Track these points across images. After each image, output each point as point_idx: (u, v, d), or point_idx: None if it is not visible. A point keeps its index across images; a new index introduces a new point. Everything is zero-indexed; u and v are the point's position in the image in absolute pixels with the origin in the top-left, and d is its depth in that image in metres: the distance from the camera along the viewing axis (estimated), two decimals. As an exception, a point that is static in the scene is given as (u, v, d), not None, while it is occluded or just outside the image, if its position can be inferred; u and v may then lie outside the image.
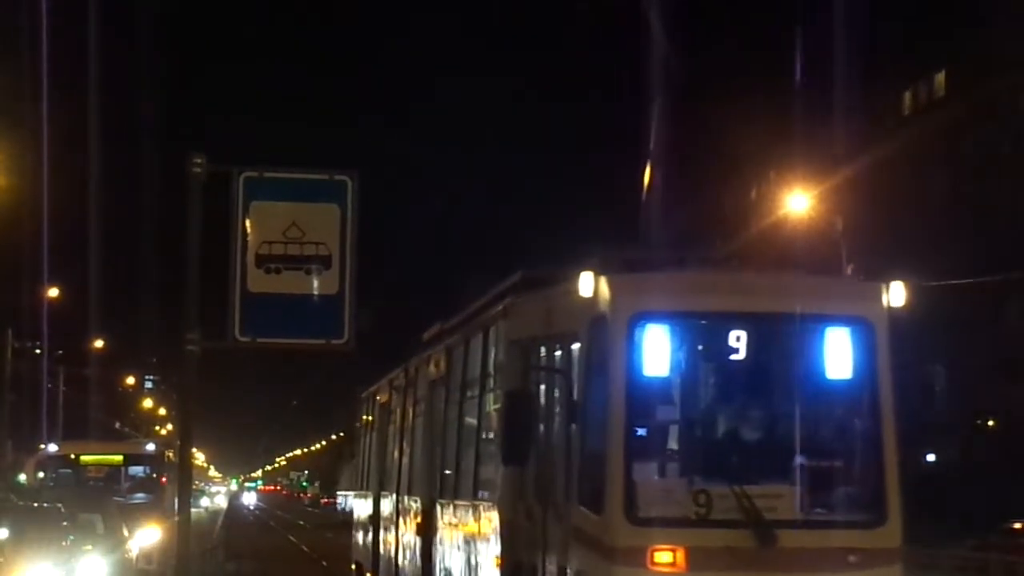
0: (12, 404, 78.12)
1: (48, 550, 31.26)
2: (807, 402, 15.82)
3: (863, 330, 15.66)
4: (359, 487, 35.92)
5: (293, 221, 14.77)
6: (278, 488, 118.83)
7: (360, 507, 34.71)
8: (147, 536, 41.32)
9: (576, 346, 16.21)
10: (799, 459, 15.50)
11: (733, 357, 15.78)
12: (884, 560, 15.00)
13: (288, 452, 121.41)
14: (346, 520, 76.47)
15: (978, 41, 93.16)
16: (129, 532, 41.57)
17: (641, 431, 15.70)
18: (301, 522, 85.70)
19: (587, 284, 15.41)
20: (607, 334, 15.52)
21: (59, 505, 40.71)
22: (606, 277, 15.54)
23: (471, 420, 21.02)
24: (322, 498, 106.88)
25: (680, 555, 14.55)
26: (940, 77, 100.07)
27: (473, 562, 19.38)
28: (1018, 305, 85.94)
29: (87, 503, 45.72)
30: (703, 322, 16.00)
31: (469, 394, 21.21)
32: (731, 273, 17.09)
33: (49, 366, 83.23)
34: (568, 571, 15.71)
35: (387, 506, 29.00)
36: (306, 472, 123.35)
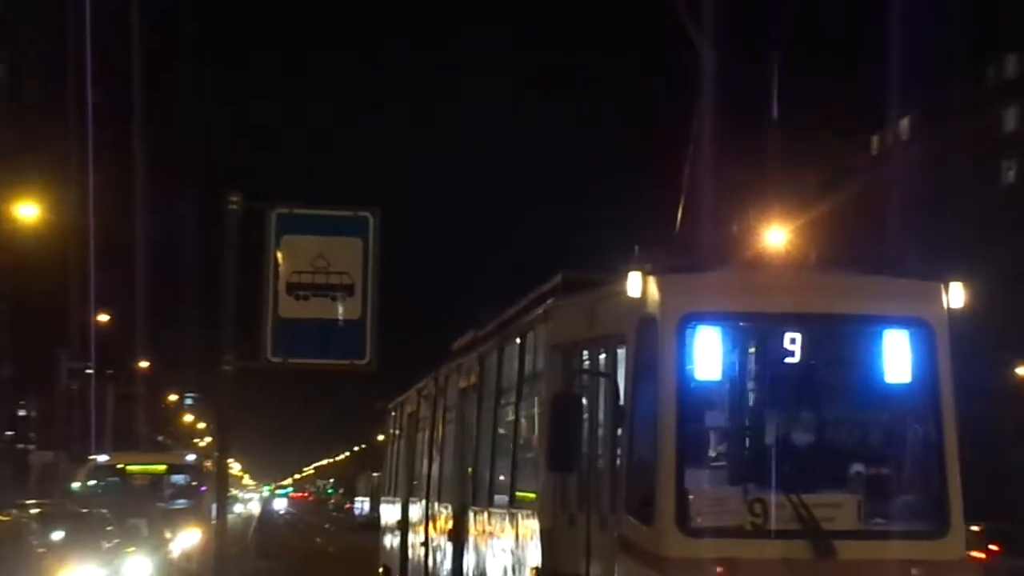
0: (66, 419, 76.78)
1: (95, 552, 30.37)
2: (865, 407, 14.26)
3: (923, 332, 13.80)
4: (387, 494, 33.50)
5: (320, 253, 14.19)
6: (307, 495, 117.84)
7: (388, 513, 32.32)
8: (187, 538, 41.46)
9: (622, 349, 14.43)
10: (857, 467, 13.77)
11: (788, 360, 13.80)
12: (947, 572, 13.19)
13: (316, 462, 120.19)
14: (363, 523, 76.07)
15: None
16: (171, 535, 41.51)
17: (693, 437, 13.83)
18: (327, 525, 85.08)
19: (635, 284, 13.67)
20: (656, 336, 13.73)
21: (104, 511, 38.90)
22: (655, 277, 13.80)
23: (506, 427, 19.20)
24: (345, 504, 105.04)
25: (735, 568, 12.75)
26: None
27: (508, 570, 17.49)
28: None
29: (133, 509, 44.51)
30: (756, 323, 14.12)
31: (504, 401, 19.32)
32: (785, 272, 15.29)
33: (99, 385, 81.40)
34: None
35: (416, 513, 27.06)
36: (331, 480, 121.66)
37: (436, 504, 24.45)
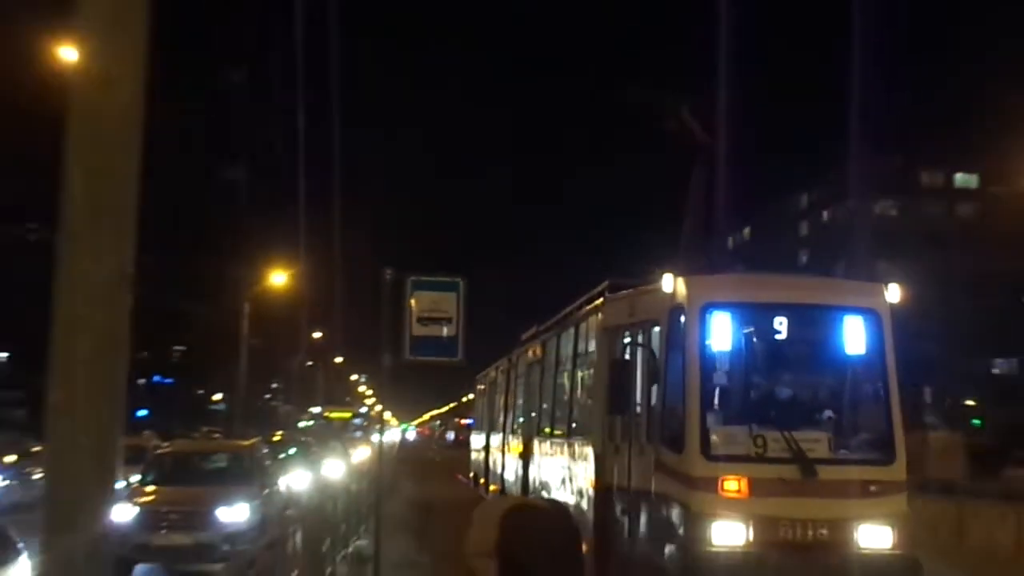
0: (298, 389, 75.10)
1: (309, 460, 28.50)
2: (832, 370, 11.23)
3: (873, 317, 10.81)
4: (476, 430, 30.69)
5: (434, 300, 13.27)
6: (425, 431, 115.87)
7: (476, 441, 29.63)
8: (361, 452, 38.05)
9: (656, 329, 11.27)
10: (828, 412, 10.82)
11: (777, 336, 10.87)
12: (895, 489, 10.32)
13: (430, 411, 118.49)
14: (450, 446, 74.67)
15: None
16: (352, 451, 38.57)
17: (711, 391, 10.78)
18: (434, 446, 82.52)
19: (668, 283, 10.69)
20: (685, 319, 10.62)
21: (311, 439, 40.22)
22: (683, 278, 10.78)
23: (563, 387, 15.75)
24: (446, 434, 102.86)
25: (743, 484, 9.93)
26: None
27: (563, 480, 14.42)
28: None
29: (333, 437, 45.33)
30: (756, 310, 10.97)
31: (561, 369, 16.01)
32: (775, 276, 12.78)
33: (315, 370, 79.74)
34: (652, 493, 10.71)
35: (495, 441, 24.03)
36: (439, 421, 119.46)
37: (509, 435, 21.34)
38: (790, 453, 9.89)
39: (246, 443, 19.50)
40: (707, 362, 10.41)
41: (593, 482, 12.17)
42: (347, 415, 73.15)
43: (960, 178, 73.51)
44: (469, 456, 31.45)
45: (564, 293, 16.59)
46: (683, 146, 12.78)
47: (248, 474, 15.59)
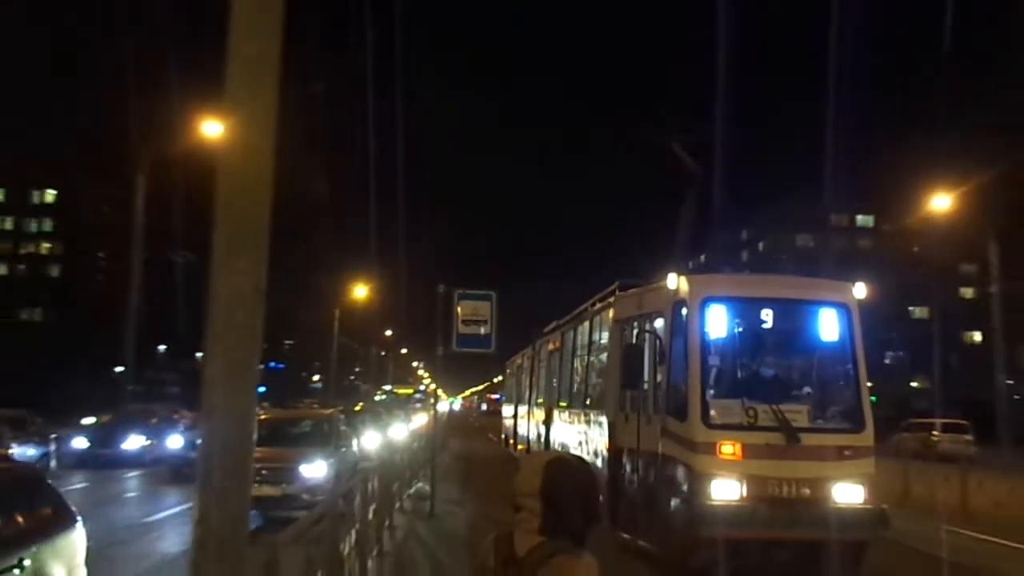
0: (375, 374, 74.17)
1: (379, 424, 26.58)
2: (811, 354, 9.59)
3: (844, 310, 9.28)
4: (507, 402, 28.51)
5: (474, 307, 13.19)
6: (467, 404, 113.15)
7: (506, 411, 27.82)
8: (420, 419, 35.63)
9: (662, 319, 9.71)
10: (807, 388, 9.31)
11: (764, 325, 9.38)
12: (865, 453, 8.78)
13: (471, 387, 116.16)
14: (484, 413, 73.90)
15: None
16: (413, 418, 37.01)
17: (709, 369, 9.17)
18: (474, 414, 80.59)
19: (673, 281, 9.27)
20: (687, 310, 9.11)
21: (382, 409, 37.99)
22: (685, 276, 9.35)
23: (581, 368, 14.08)
24: (480, 405, 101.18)
25: (738, 448, 8.48)
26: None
27: (581, 442, 12.73)
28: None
29: (399, 408, 44.93)
30: (746, 303, 9.42)
31: (578, 354, 14.36)
32: (762, 275, 9.74)
33: (386, 358, 78.61)
34: (658, 454, 9.17)
35: (522, 410, 22.26)
36: (476, 396, 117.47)
37: (533, 407, 19.65)
38: (776, 422, 8.40)
39: (326, 412, 18.00)
40: (706, 346, 8.91)
41: (607, 444, 10.66)
42: (410, 391, 72.08)
43: (860, 219, 72.45)
44: (500, 422, 30.32)
45: (577, 296, 15.37)
46: (678, 174, 11.43)
47: (326, 437, 14.16)
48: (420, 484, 15.52)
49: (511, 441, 23.38)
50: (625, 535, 9.69)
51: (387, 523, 10.32)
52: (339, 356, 56.54)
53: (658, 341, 9.40)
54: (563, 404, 14.89)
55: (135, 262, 29.09)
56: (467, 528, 11.54)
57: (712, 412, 8.56)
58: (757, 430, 8.44)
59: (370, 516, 8.47)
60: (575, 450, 12.54)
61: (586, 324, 13.25)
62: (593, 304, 12.87)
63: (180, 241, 63.14)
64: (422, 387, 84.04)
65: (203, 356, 2.73)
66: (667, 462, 8.86)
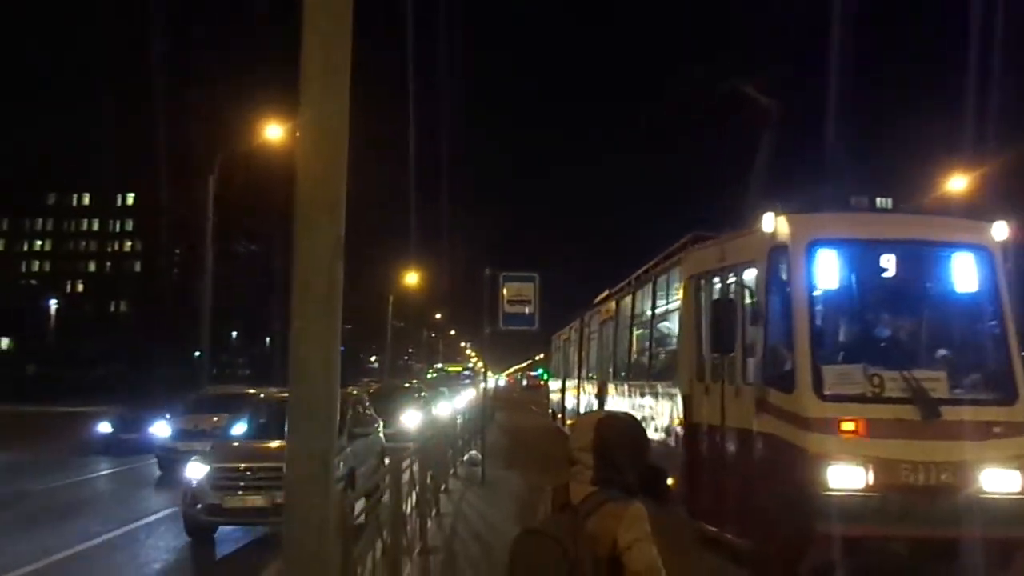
0: (425, 353, 73.03)
1: (417, 402, 21.17)
2: (946, 308, 6.92)
3: (985, 254, 6.65)
4: (554, 377, 25.73)
5: (518, 289, 12.27)
6: (511, 380, 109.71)
7: (553, 386, 25.34)
8: (466, 396, 31.44)
9: (753, 271, 7.16)
10: (943, 351, 6.61)
11: (885, 274, 6.78)
12: (1018, 431, 6.13)
13: (516, 365, 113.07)
14: (524, 388, 72.60)
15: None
16: (461, 394, 33.41)
17: (820, 328, 6.66)
18: (517, 389, 79.18)
19: (769, 222, 6.66)
20: (789, 257, 6.58)
21: (422, 385, 31.08)
22: (785, 216, 6.68)
23: (640, 335, 11.61)
24: (523, 382, 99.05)
25: (861, 424, 5.94)
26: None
27: (640, 417, 8.77)
28: None
29: (450, 385, 42.30)
30: (862, 247, 6.77)
31: (637, 321, 11.77)
32: (880, 212, 7.46)
33: (436, 340, 77.36)
34: (754, 433, 6.70)
35: (570, 384, 19.73)
36: (519, 374, 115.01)
37: (583, 381, 17.21)
38: (909, 392, 5.96)
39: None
40: (815, 300, 6.47)
41: (681, 420, 8.18)
42: (459, 368, 70.27)
43: (879, 201, 67.96)
44: (542, 396, 28.74)
45: (620, 273, 13.24)
46: (753, 118, 8.94)
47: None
48: (472, 452, 14.89)
49: (559, 415, 21.00)
50: (709, 527, 7.43)
51: (443, 487, 10.40)
52: (393, 338, 55.65)
53: (750, 297, 6.96)
54: (620, 376, 12.43)
55: (207, 256, 28.45)
56: (517, 492, 11.23)
57: (827, 380, 6.11)
58: (884, 402, 6.00)
59: (428, 481, 8.43)
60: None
61: (648, 286, 10.67)
62: (656, 264, 10.32)
63: (245, 234, 62.01)
64: (470, 365, 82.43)
65: (291, 312, 2.63)
66: (766, 442, 6.48)
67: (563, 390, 20.59)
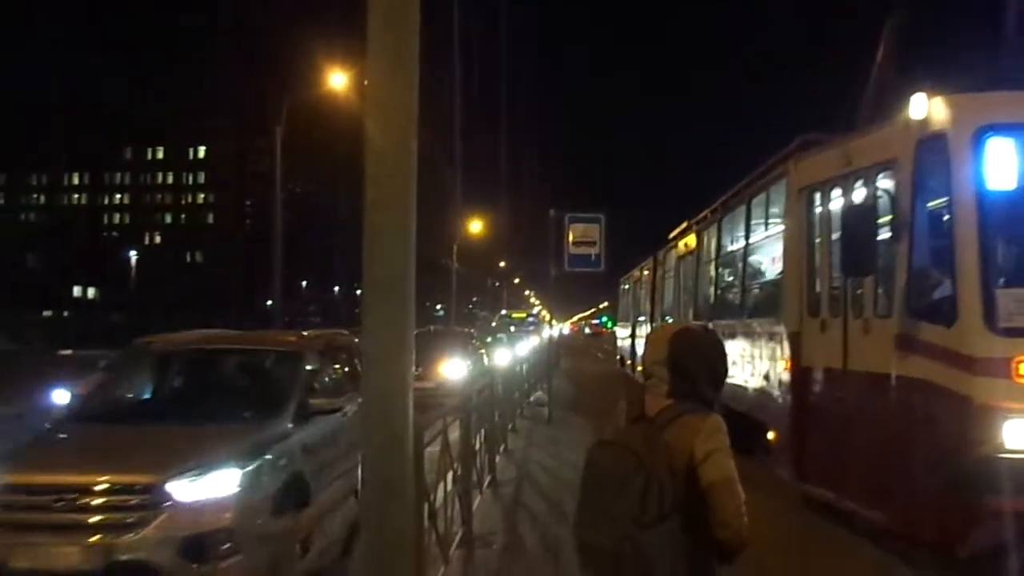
0: (491, 301, 73.39)
1: (465, 351, 17.02)
2: None
3: None
4: (622, 322, 23.77)
5: (584, 229, 12.05)
6: (575, 328, 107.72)
7: (622, 332, 23.20)
8: (532, 342, 29.91)
9: (892, 173, 5.32)
10: None
11: None
12: None
13: (579, 313, 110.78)
14: (587, 336, 72.25)
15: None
16: (527, 340, 31.13)
17: (994, 242, 4.71)
18: (580, 337, 78.43)
19: (919, 105, 4.83)
20: (949, 150, 4.72)
21: (473, 331, 25.80)
22: (942, 97, 4.85)
23: (731, 268, 9.86)
24: (584, 329, 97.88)
25: None
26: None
27: (732, 359, 7.37)
28: None
29: (511, 331, 37.91)
30: None
31: (725, 252, 10.05)
32: None
33: (500, 289, 77.65)
34: (893, 377, 4.99)
35: (640, 330, 18.20)
36: (582, 322, 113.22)
37: (656, 324, 15.47)
38: None
39: (287, 339, 6.56)
40: (985, 205, 4.74)
41: (787, 364, 6.64)
42: (523, 315, 69.47)
43: None
44: (605, 343, 27.49)
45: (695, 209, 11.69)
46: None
47: (277, 399, 5.44)
48: (538, 392, 15.10)
49: (628, 362, 19.51)
50: (822, 491, 6.03)
51: (511, 426, 10.39)
52: (458, 287, 55.26)
53: (890, 206, 5.34)
54: (704, 317, 10.63)
55: (276, 206, 28.36)
56: (582, 430, 10.87)
57: (1003, 309, 4.52)
58: None
59: (496, 419, 8.27)
60: (733, 374, 8.69)
61: (740, 211, 8.95)
62: (751, 183, 8.50)
63: (314, 182, 61.87)
64: (534, 312, 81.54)
65: (363, 265, 2.58)
66: (913, 390, 4.96)
67: (633, 336, 19.05)
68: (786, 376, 6.67)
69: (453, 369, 14.12)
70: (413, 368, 2.63)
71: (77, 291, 66.77)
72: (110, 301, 62.03)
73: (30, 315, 46.44)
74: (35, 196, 74.68)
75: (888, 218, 5.31)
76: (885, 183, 5.49)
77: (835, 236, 6.12)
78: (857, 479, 5.50)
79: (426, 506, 4.04)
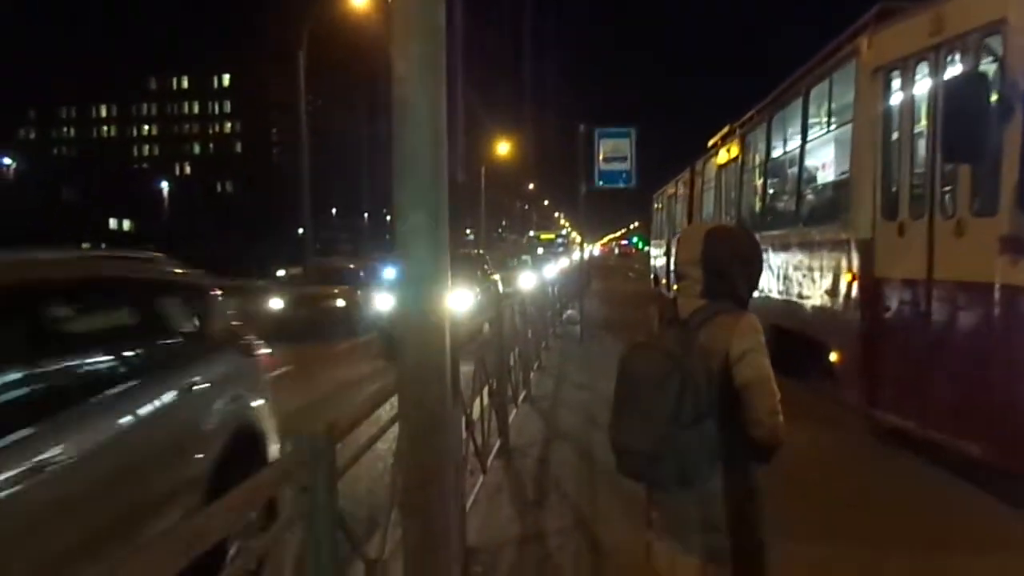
0: (519, 225, 72.88)
1: (475, 280, 15.87)
2: None
3: None
4: (657, 239, 22.42)
5: (614, 144, 11.60)
6: (605, 248, 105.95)
7: (655, 251, 22.02)
8: (561, 264, 29.71)
9: (995, 40, 4.20)
10: None
11: None
12: None
13: (610, 234, 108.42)
14: (619, 256, 72.14)
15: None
16: (556, 262, 31.82)
17: None
18: (612, 259, 77.45)
19: None
20: None
21: (484, 254, 24.49)
22: None
23: (786, 172, 8.63)
24: (615, 251, 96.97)
25: None
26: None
27: (784, 276, 7.59)
28: None
29: (543, 251, 41.98)
30: None
31: (776, 155, 8.81)
32: None
33: (530, 211, 75.89)
34: (998, 288, 3.97)
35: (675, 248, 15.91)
36: (612, 242, 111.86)
37: None
38: None
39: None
40: None
41: (855, 275, 5.73)
42: (552, 236, 68.47)
43: None
44: (635, 262, 26.70)
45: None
46: None
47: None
48: (570, 311, 14.78)
49: (664, 281, 18.58)
50: (900, 419, 5.24)
51: (544, 344, 10.26)
52: (487, 210, 54.37)
53: (999, 77, 4.29)
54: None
55: (303, 133, 27.63)
56: (614, 348, 8.69)
57: None
58: None
59: (529, 336, 8.35)
60: (785, 289, 7.66)
61: (795, 104, 7.74)
62: (811, 70, 7.23)
63: (342, 105, 60.47)
64: (563, 233, 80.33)
65: (393, 190, 2.43)
66: (1021, 300, 4.21)
67: (668, 254, 18.02)
68: (854, 289, 5.77)
69: (456, 301, 12.14)
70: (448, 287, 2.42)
71: (113, 223, 67.20)
72: (145, 233, 62.43)
73: (68, 249, 46.78)
74: (65, 129, 74.42)
75: (994, 95, 4.30)
76: (991, 50, 4.43)
77: (920, 124, 5.12)
78: (945, 405, 4.69)
79: (463, 418, 4.20)
